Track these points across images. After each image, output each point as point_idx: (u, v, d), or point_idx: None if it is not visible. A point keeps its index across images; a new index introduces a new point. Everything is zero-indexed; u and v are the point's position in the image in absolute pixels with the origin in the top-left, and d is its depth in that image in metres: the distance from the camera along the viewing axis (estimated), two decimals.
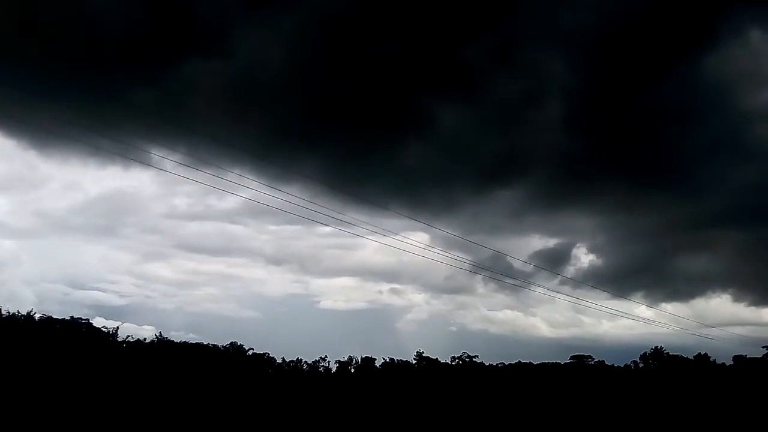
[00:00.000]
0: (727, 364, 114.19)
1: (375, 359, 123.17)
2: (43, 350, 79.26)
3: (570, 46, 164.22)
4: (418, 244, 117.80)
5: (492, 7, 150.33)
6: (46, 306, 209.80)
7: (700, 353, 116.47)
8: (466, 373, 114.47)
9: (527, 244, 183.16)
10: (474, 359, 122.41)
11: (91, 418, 41.85)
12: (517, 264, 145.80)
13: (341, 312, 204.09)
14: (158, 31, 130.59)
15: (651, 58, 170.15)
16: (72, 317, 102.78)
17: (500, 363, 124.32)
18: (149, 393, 60.93)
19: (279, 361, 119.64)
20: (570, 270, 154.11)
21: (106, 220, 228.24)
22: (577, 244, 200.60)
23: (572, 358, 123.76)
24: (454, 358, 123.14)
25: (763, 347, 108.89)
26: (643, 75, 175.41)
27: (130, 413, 45.62)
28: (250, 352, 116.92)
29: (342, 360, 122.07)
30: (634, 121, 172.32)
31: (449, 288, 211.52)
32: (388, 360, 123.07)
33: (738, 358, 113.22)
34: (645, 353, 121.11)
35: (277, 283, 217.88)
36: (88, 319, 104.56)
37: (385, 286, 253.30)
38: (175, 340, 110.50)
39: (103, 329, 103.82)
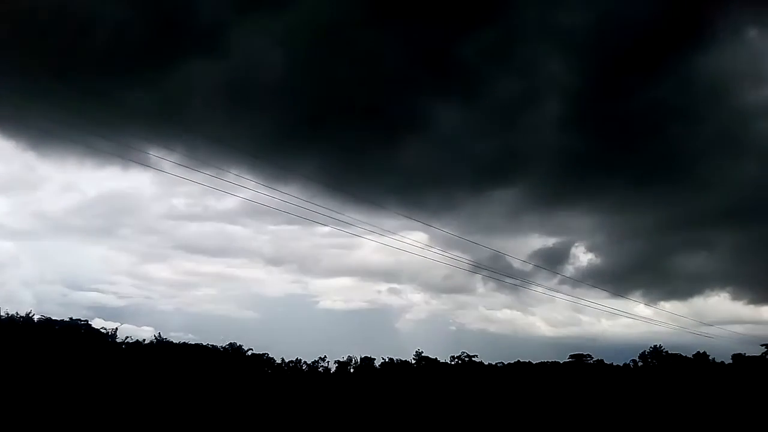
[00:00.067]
0: (726, 363, 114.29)
1: (374, 359, 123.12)
2: (42, 351, 79.14)
3: (568, 45, 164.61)
4: (417, 244, 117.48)
5: (490, 6, 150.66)
6: (44, 307, 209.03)
7: (699, 352, 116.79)
8: (465, 373, 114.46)
9: (526, 244, 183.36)
10: (473, 359, 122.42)
11: (90, 419, 41.83)
12: (516, 263, 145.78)
13: (340, 312, 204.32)
14: (156, 32, 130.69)
15: (649, 57, 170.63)
16: (71, 318, 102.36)
17: (499, 362, 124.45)
18: (149, 394, 60.90)
19: (278, 361, 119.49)
20: (569, 269, 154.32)
21: (104, 221, 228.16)
22: (576, 243, 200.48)
23: (571, 357, 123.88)
24: (453, 358, 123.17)
25: (762, 345, 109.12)
26: (642, 74, 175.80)
27: (130, 414, 45.60)
28: (250, 353, 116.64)
29: (341, 360, 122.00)
30: (632, 120, 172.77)
31: (448, 288, 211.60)
32: (387, 360, 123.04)
33: (737, 357, 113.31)
34: (644, 352, 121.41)
35: (276, 283, 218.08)
36: (87, 321, 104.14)
37: (384, 286, 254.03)
38: (175, 341, 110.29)
39: (102, 330, 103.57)
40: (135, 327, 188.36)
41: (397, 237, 74.86)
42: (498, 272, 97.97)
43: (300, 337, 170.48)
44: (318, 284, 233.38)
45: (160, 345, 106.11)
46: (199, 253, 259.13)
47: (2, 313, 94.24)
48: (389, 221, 76.84)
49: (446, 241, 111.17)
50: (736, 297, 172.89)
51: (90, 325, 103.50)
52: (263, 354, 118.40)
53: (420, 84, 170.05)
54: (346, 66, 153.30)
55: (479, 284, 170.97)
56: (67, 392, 55.58)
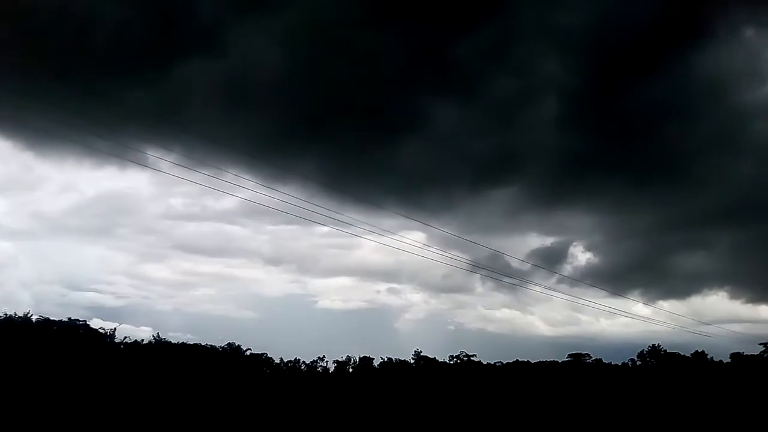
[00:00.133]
0: (725, 362, 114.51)
1: (373, 359, 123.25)
2: (40, 352, 79.07)
3: (566, 44, 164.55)
4: (416, 244, 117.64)
5: (488, 6, 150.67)
6: (43, 307, 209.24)
7: (697, 351, 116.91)
8: (464, 372, 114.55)
9: (524, 243, 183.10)
10: (472, 358, 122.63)
11: (89, 420, 41.79)
12: (515, 263, 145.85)
13: (339, 312, 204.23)
14: (154, 32, 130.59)
15: (647, 57, 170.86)
16: (69, 319, 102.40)
17: (498, 362, 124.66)
18: (147, 394, 60.84)
19: (277, 361, 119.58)
20: (567, 268, 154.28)
21: (102, 221, 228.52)
22: (574, 243, 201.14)
23: (570, 356, 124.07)
24: (452, 357, 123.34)
25: (761, 344, 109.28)
26: (639, 73, 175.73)
27: (128, 414, 45.56)
28: (248, 353, 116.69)
29: (340, 360, 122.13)
30: (630, 120, 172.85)
31: (447, 287, 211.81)
32: (386, 359, 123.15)
33: (735, 356, 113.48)
34: (642, 351, 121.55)
35: (275, 283, 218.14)
36: (85, 321, 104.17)
37: (383, 286, 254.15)
38: (173, 341, 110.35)
39: (101, 330, 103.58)
40: (133, 327, 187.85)
41: (396, 237, 75.02)
42: (497, 272, 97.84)
43: (299, 337, 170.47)
44: (317, 284, 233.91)
45: (159, 345, 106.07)
46: (197, 253, 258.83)
47: (1, 314, 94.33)
48: (388, 221, 76.80)
49: (445, 241, 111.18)
50: (734, 296, 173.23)
51: (88, 325, 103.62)
52: (262, 354, 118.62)
53: (418, 84, 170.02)
54: (345, 66, 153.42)
55: (478, 284, 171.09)
56: (65, 392, 55.51)
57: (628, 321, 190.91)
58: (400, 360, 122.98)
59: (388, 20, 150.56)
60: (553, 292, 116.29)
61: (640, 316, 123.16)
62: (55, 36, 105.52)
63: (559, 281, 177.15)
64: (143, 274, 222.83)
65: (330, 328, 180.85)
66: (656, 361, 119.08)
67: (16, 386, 54.75)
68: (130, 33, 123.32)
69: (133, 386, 66.44)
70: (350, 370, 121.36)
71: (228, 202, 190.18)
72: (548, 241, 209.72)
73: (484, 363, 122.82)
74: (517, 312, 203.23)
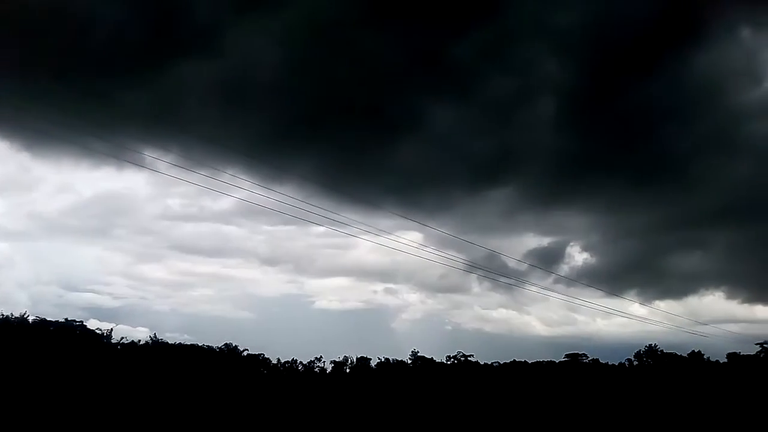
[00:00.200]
0: (721, 362, 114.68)
1: (370, 359, 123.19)
2: (37, 353, 78.91)
3: (562, 44, 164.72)
4: (413, 244, 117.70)
5: (484, 6, 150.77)
6: (39, 308, 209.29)
7: (693, 351, 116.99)
8: (461, 372, 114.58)
9: (521, 243, 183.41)
10: (469, 358, 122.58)
11: (86, 421, 41.75)
12: (512, 263, 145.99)
13: (336, 312, 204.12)
14: (150, 32, 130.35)
15: (643, 57, 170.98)
16: (66, 319, 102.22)
17: (495, 362, 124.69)
18: (144, 395, 60.78)
19: (274, 361, 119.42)
20: (564, 268, 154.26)
21: (99, 222, 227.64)
22: (571, 243, 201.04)
23: (567, 356, 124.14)
24: (449, 358, 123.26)
25: (757, 344, 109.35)
26: (636, 73, 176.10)
27: (125, 415, 45.51)
28: (245, 353, 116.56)
29: (337, 360, 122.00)
30: (626, 120, 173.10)
31: (444, 287, 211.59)
32: (383, 360, 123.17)
33: (732, 356, 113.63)
34: (639, 351, 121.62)
35: (272, 283, 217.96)
36: (82, 321, 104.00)
37: (380, 286, 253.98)
38: (170, 342, 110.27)
39: (97, 331, 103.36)
40: (130, 328, 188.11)
41: (392, 237, 75.07)
42: (493, 272, 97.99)
43: (296, 337, 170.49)
44: (314, 284, 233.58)
45: (156, 346, 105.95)
46: (194, 254, 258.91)
47: None
48: (385, 221, 76.87)
49: (442, 241, 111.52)
50: (730, 296, 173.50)
51: (85, 326, 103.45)
52: (259, 354, 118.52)
53: (416, 83, 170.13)
54: (342, 66, 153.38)
55: (475, 284, 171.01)
56: (62, 393, 55.43)
57: (624, 321, 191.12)
58: (397, 360, 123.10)
59: (385, 20, 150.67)
60: (549, 292, 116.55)
61: (636, 316, 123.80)
62: (51, 36, 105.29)
63: (556, 281, 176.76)
64: (140, 274, 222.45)
65: (327, 329, 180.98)
66: (653, 361, 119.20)
67: (13, 387, 54.64)
68: (128, 33, 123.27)
69: (130, 387, 66.36)
70: (347, 370, 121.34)
71: (225, 203, 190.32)
72: (545, 241, 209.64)
73: (481, 363, 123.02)
74: (514, 312, 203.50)
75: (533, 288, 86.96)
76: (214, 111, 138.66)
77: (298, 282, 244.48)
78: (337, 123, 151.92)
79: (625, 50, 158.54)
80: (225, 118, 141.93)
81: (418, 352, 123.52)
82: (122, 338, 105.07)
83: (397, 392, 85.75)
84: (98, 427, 40.54)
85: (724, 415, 54.88)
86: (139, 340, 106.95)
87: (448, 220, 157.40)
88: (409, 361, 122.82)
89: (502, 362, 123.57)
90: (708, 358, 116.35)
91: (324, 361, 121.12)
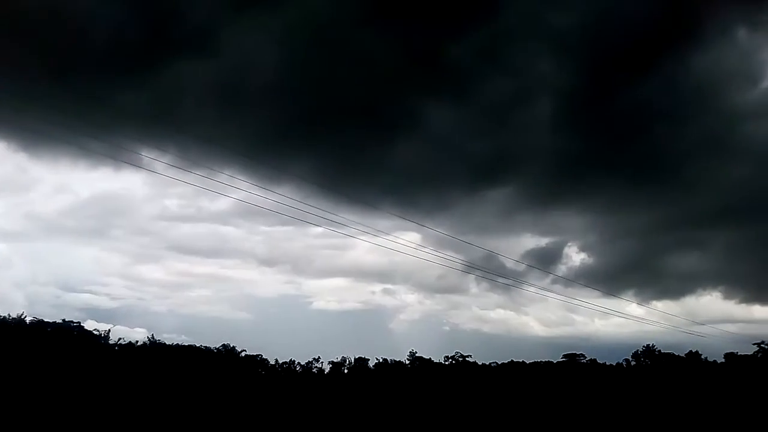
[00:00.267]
0: (719, 362, 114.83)
1: (368, 360, 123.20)
2: (34, 353, 78.78)
3: (559, 45, 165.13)
4: (410, 244, 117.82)
5: (480, 6, 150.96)
6: (37, 309, 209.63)
7: (691, 351, 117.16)
8: (459, 373, 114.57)
9: (519, 243, 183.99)
10: (467, 359, 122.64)
11: (83, 422, 41.67)
12: (509, 263, 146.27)
13: (334, 313, 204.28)
14: (147, 32, 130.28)
15: (640, 57, 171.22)
16: (63, 320, 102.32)
17: (493, 362, 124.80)
18: (142, 396, 60.69)
19: (272, 362, 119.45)
20: (561, 269, 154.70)
21: (97, 222, 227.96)
22: (569, 243, 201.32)
23: (565, 356, 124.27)
24: (447, 358, 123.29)
25: (754, 344, 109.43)
26: (633, 74, 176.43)
27: (123, 416, 45.43)
28: (243, 354, 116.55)
29: (335, 361, 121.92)
30: (624, 120, 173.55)
31: (442, 288, 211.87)
32: (381, 360, 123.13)
33: (729, 356, 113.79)
34: (637, 351, 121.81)
35: (270, 284, 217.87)
36: (79, 322, 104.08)
37: (378, 287, 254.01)
38: (168, 343, 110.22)
39: (95, 332, 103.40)
40: (128, 328, 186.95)
41: (390, 237, 75.01)
42: (491, 272, 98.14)
43: (294, 338, 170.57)
44: (311, 285, 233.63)
45: (153, 346, 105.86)
46: (192, 254, 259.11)
47: None
48: (383, 221, 77.02)
49: (439, 241, 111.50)
50: (728, 296, 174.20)
51: (82, 326, 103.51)
52: (257, 355, 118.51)
53: (414, 83, 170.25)
54: (340, 66, 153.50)
55: (472, 284, 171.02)
56: (59, 394, 55.33)
57: (622, 321, 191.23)
58: (395, 361, 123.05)
59: (383, 20, 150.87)
60: (547, 293, 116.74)
61: (634, 316, 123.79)
62: (48, 37, 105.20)
63: (554, 282, 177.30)
64: (138, 275, 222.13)
65: (325, 329, 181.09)
66: (650, 362, 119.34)
67: (11, 388, 54.53)
68: (125, 33, 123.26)
69: (128, 388, 66.24)
70: (345, 371, 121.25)
71: (223, 203, 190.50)
72: (543, 241, 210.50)
73: (479, 363, 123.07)
74: (512, 312, 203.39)
75: (531, 288, 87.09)
76: (211, 111, 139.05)
77: (295, 282, 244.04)
78: (334, 123, 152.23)
79: (622, 51, 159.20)
80: (222, 118, 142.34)
81: (416, 352, 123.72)
82: (120, 339, 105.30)
83: (396, 393, 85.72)
84: (96, 428, 40.45)
85: (722, 415, 54.93)
86: (137, 341, 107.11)
87: (445, 221, 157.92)
88: (407, 362, 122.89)
89: (500, 362, 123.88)
90: (705, 358, 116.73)
91: (322, 362, 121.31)
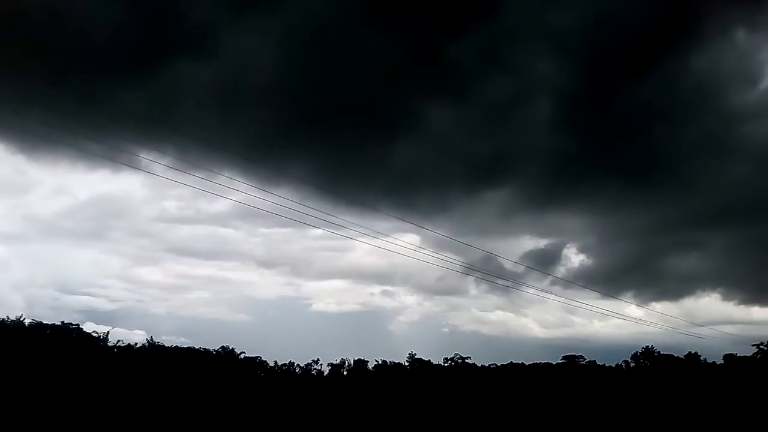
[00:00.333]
0: (718, 363, 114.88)
1: (367, 361, 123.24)
2: (33, 356, 78.66)
3: (558, 46, 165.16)
4: (409, 246, 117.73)
5: (480, 6, 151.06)
6: (35, 311, 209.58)
7: (690, 352, 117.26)
8: (458, 375, 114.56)
9: (518, 245, 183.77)
10: (466, 360, 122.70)
11: (82, 424, 41.59)
12: (508, 265, 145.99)
13: (333, 314, 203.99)
14: (146, 34, 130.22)
15: (639, 58, 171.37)
16: (62, 322, 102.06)
17: (492, 364, 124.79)
18: (140, 398, 60.59)
19: (271, 364, 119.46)
20: (560, 270, 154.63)
21: (95, 224, 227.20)
22: (568, 245, 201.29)
23: (564, 358, 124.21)
24: (446, 360, 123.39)
25: (753, 345, 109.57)
26: (631, 75, 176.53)
27: (122, 419, 45.35)
28: (242, 356, 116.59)
29: (334, 363, 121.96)
30: (622, 121, 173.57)
31: (441, 289, 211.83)
32: (380, 362, 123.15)
33: (728, 357, 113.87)
34: (636, 353, 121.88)
35: (269, 286, 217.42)
36: (78, 324, 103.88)
37: (377, 288, 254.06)
38: (166, 345, 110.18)
39: (94, 334, 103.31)
40: (126, 331, 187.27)
41: (389, 239, 75.12)
42: (490, 274, 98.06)
43: (293, 339, 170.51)
44: (311, 287, 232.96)
45: (152, 349, 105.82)
46: (190, 256, 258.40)
47: None
48: (382, 223, 77.03)
49: (438, 243, 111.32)
50: (727, 297, 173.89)
51: (81, 328, 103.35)
52: (256, 357, 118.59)
53: (413, 84, 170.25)
54: (338, 67, 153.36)
55: (472, 286, 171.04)
56: (58, 397, 55.22)
57: (621, 323, 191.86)
58: (394, 362, 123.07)
59: (382, 20, 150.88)
60: (546, 294, 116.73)
61: (633, 317, 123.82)
62: (46, 38, 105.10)
63: (553, 283, 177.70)
64: (136, 277, 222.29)
65: (324, 331, 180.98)
66: (650, 363, 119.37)
67: (9, 390, 54.42)
68: (123, 33, 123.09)
69: (127, 390, 66.14)
70: (345, 373, 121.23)
71: (221, 205, 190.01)
72: (542, 243, 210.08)
73: (479, 365, 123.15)
74: (511, 314, 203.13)
75: (530, 290, 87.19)
76: (210, 113, 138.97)
77: (295, 284, 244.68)
78: (333, 124, 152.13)
79: (622, 51, 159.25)
80: (221, 119, 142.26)
81: (415, 354, 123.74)
82: (119, 341, 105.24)
83: (395, 394, 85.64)
84: (95, 431, 40.38)
85: (721, 417, 54.90)
86: (136, 343, 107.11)
87: (445, 222, 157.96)
88: (407, 364, 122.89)
89: (499, 364, 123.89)
90: (704, 359, 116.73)
91: (321, 364, 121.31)
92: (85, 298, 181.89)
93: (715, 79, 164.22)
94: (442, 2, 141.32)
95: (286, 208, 53.02)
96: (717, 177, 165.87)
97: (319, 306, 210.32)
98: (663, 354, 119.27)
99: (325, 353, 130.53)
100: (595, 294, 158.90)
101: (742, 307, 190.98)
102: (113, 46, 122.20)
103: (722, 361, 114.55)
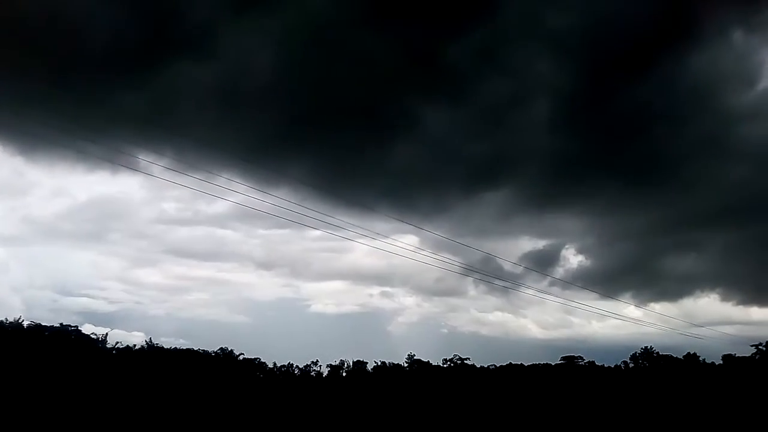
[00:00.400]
0: (717, 363, 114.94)
1: (367, 363, 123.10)
2: (31, 357, 78.57)
3: (556, 47, 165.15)
4: (408, 247, 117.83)
5: (478, 7, 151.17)
6: (34, 313, 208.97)
7: (689, 353, 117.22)
8: (457, 376, 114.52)
9: (517, 246, 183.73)
10: (465, 361, 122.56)
11: (81, 426, 41.57)
12: (507, 266, 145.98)
13: (332, 316, 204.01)
14: (145, 34, 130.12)
15: (637, 59, 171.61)
16: (61, 324, 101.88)
17: (491, 365, 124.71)
18: (139, 400, 60.55)
19: (270, 366, 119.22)
20: (559, 271, 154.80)
21: (94, 226, 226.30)
22: (566, 246, 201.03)
23: (563, 359, 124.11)
24: (445, 361, 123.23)
25: (752, 346, 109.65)
26: (630, 75, 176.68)
27: (121, 420, 45.33)
28: (241, 358, 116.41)
29: (333, 364, 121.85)
30: (621, 122, 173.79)
31: (440, 290, 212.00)
32: (379, 363, 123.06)
33: (727, 357, 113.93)
34: (635, 353, 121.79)
35: (268, 287, 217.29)
36: (77, 326, 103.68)
37: (376, 289, 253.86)
38: (165, 346, 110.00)
39: (93, 336, 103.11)
40: (125, 332, 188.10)
41: (388, 240, 75.19)
42: (489, 275, 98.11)
43: (292, 341, 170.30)
44: (309, 288, 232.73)
45: (151, 350, 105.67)
46: (189, 258, 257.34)
47: None
48: (381, 224, 76.99)
49: (437, 244, 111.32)
50: (725, 298, 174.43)
51: (80, 330, 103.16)
52: (255, 359, 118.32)
53: (411, 85, 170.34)
54: (337, 68, 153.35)
55: (471, 287, 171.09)
56: (57, 398, 55.17)
57: (620, 323, 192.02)
58: (393, 364, 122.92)
59: (381, 21, 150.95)
60: (545, 295, 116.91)
61: (632, 318, 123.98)
62: (44, 39, 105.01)
63: (552, 284, 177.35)
64: (135, 279, 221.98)
65: (323, 332, 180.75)
66: (648, 364, 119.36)
67: (8, 392, 54.36)
68: (122, 35, 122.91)
69: (126, 392, 66.10)
70: (344, 374, 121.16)
71: (220, 206, 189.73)
72: (540, 243, 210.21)
73: (478, 366, 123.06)
74: (510, 315, 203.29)
75: (529, 291, 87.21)
76: (208, 114, 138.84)
77: (293, 286, 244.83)
78: (332, 125, 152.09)
79: (620, 52, 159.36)
80: (220, 120, 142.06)
81: (414, 355, 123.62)
82: (117, 343, 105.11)
83: (394, 396, 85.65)
84: None
85: (720, 417, 54.96)
86: (135, 345, 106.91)
87: (443, 223, 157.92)
88: (406, 365, 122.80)
89: (498, 365, 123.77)
90: (703, 360, 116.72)
91: (320, 365, 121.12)
92: (84, 299, 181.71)
93: (712, 80, 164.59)
94: (440, 3, 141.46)
95: (285, 209, 52.99)
96: (715, 178, 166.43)
97: (317, 307, 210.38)
98: (662, 354, 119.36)
99: (324, 354, 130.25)
100: (593, 295, 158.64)
101: (741, 307, 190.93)
102: (112, 47, 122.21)
103: (721, 362, 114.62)
